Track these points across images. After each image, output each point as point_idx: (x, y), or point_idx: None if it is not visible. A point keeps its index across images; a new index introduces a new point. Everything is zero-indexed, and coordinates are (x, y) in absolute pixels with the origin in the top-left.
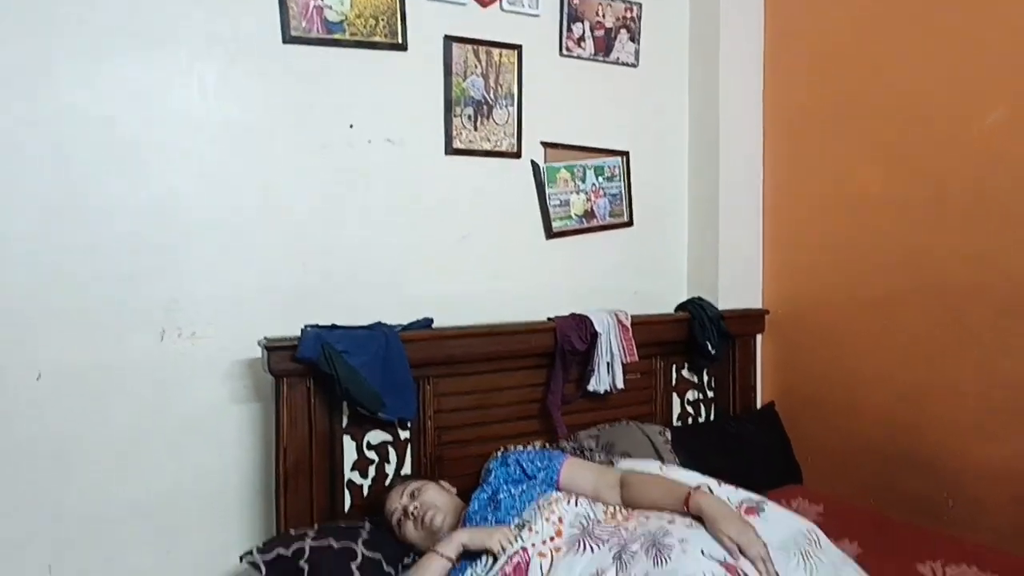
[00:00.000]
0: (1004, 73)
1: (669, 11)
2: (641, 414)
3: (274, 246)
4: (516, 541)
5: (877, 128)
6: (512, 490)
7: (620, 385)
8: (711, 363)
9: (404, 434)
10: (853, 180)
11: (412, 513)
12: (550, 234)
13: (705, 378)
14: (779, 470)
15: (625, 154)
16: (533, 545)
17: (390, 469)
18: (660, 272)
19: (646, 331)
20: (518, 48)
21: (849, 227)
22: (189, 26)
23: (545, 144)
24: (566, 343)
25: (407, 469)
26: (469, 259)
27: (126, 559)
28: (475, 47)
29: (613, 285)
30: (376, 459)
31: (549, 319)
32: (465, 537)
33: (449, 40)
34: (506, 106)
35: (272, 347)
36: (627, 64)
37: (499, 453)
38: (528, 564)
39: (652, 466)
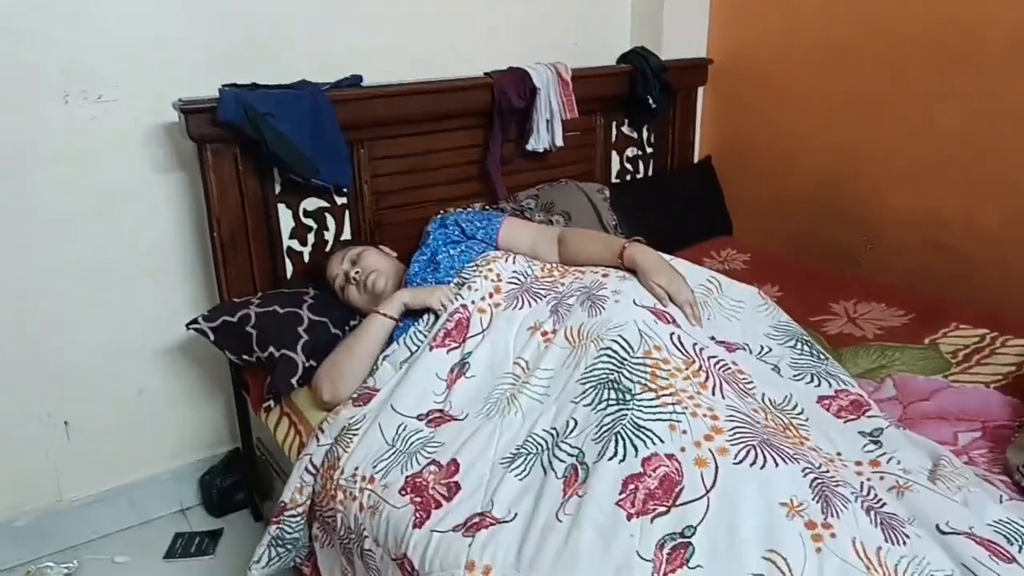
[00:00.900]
0: None
1: None
2: (580, 173)
3: None
4: (456, 299)
5: None
6: (451, 251)
7: (559, 143)
8: (652, 118)
9: (341, 200)
10: None
11: (353, 278)
12: None
13: (644, 134)
14: (712, 223)
15: None
16: (473, 302)
17: (329, 236)
18: (602, 20)
19: (586, 85)
20: None
21: None
22: None
23: None
24: (504, 100)
25: (347, 235)
26: (397, 8)
27: (72, 330)
28: None
29: (553, 35)
30: (314, 226)
31: (486, 74)
32: (407, 296)
33: None
34: None
35: (188, 110)
36: None
37: (438, 215)
38: (469, 320)
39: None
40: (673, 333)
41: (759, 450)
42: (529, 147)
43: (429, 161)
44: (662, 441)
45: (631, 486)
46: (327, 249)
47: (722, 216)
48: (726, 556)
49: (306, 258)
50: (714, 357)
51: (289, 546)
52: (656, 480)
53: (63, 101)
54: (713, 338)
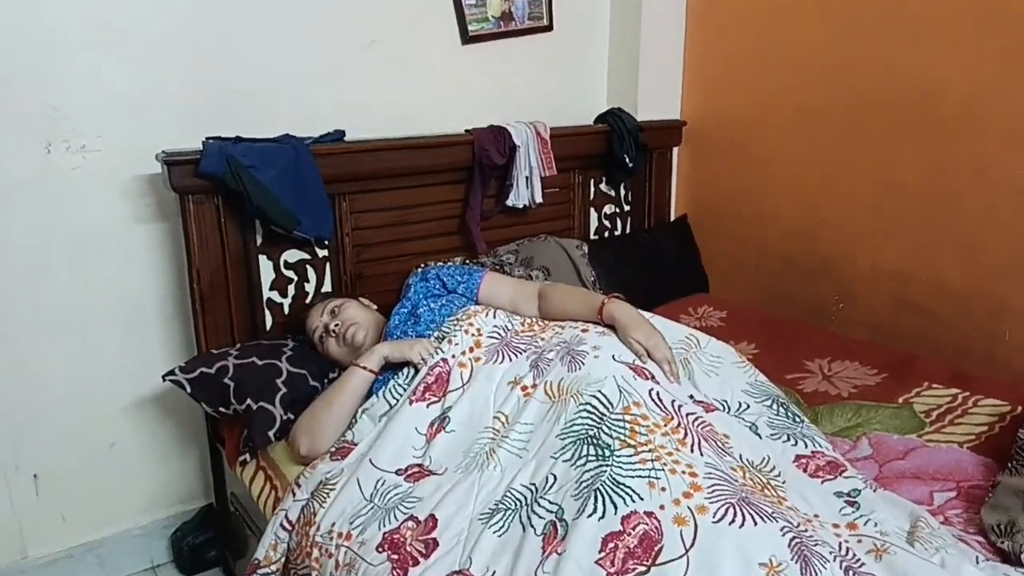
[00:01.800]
0: None
1: None
2: (559, 229)
3: (165, 47)
4: (436, 353)
5: None
6: (432, 304)
7: (539, 199)
8: (628, 177)
9: (322, 252)
10: None
11: (333, 330)
12: (466, 39)
13: (622, 192)
14: (689, 280)
15: None
16: (453, 356)
17: (310, 288)
18: (580, 81)
19: (565, 144)
20: None
21: (769, 36)
22: None
23: None
24: (484, 157)
25: (327, 287)
26: (380, 65)
27: (43, 381)
28: None
29: (532, 95)
30: (295, 278)
31: (467, 131)
32: (386, 350)
33: None
34: None
35: (171, 161)
36: None
37: (419, 269)
38: (449, 374)
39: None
40: (652, 389)
41: (738, 508)
42: (509, 203)
43: (410, 215)
44: (641, 498)
45: (611, 544)
46: (307, 301)
47: (698, 273)
48: None
49: (286, 310)
50: (692, 414)
51: None
52: (636, 538)
53: (45, 150)
54: (692, 397)
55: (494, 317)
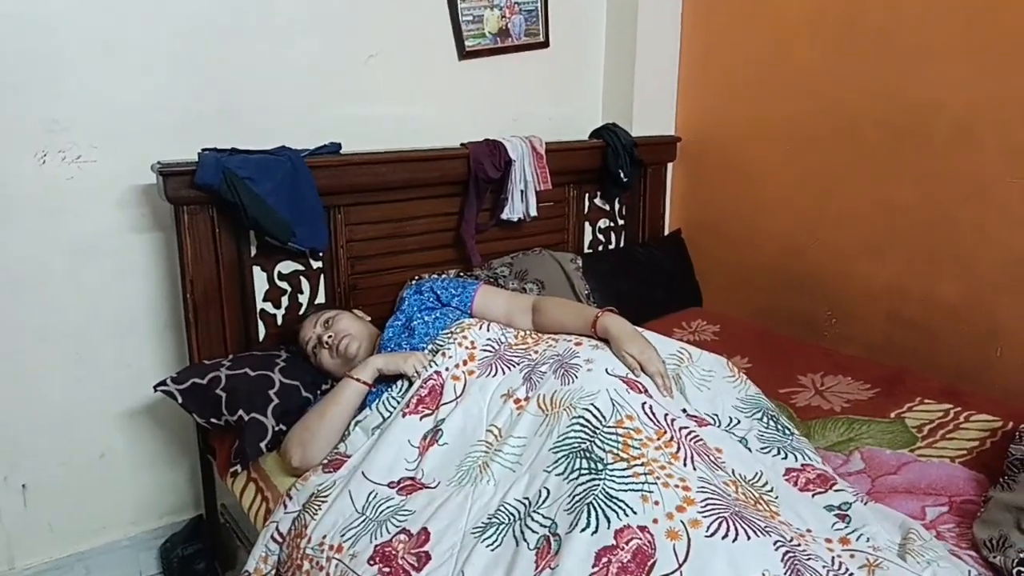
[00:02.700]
0: None
1: None
2: (554, 242)
3: (163, 60)
4: (430, 365)
5: None
6: (426, 317)
7: (533, 213)
8: (623, 191)
9: (316, 264)
10: (771, 2)
11: (326, 342)
12: (463, 54)
13: (616, 206)
14: (682, 294)
15: None
16: (447, 369)
17: (304, 299)
18: (575, 96)
19: (560, 158)
20: None
21: (764, 55)
22: None
23: None
24: (480, 170)
25: (321, 299)
26: (377, 80)
27: (33, 390)
28: None
29: (528, 110)
30: (289, 289)
31: (462, 145)
32: (380, 362)
33: None
34: None
35: (167, 173)
36: None
37: (413, 281)
38: (442, 387)
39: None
40: (645, 403)
41: (731, 522)
42: (504, 216)
43: (405, 227)
44: (635, 512)
45: (604, 559)
46: (301, 312)
47: (692, 288)
48: None
49: (279, 321)
50: (685, 428)
51: None
52: (629, 553)
53: (41, 161)
54: (685, 411)
55: (488, 330)
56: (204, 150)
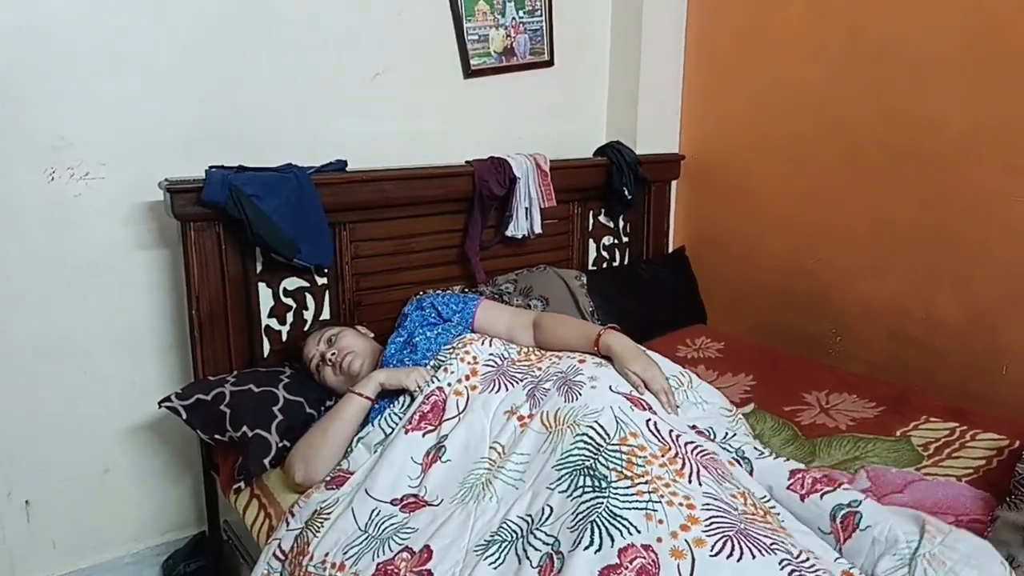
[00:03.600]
0: None
1: None
2: (558, 259)
3: (171, 77)
4: (432, 381)
5: None
6: (428, 333)
7: (538, 230)
8: (627, 209)
9: (321, 280)
10: (774, 21)
11: (330, 359)
12: (468, 73)
13: (620, 223)
14: (686, 312)
15: None
16: (449, 384)
17: (309, 315)
18: (580, 114)
19: (565, 176)
20: None
21: (767, 73)
22: None
23: None
24: (484, 188)
25: (326, 315)
26: (383, 98)
27: (38, 406)
28: None
29: (532, 128)
30: (294, 305)
31: (467, 162)
32: (383, 377)
33: None
34: None
35: (175, 190)
36: None
37: (415, 297)
38: (445, 402)
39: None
40: (649, 420)
41: (736, 541)
42: (508, 233)
43: (410, 244)
44: (638, 531)
45: None
46: (306, 328)
47: (696, 305)
48: None
49: (284, 337)
50: (692, 443)
51: None
52: (633, 572)
53: (49, 178)
54: (693, 427)
55: (490, 345)
56: (211, 167)
